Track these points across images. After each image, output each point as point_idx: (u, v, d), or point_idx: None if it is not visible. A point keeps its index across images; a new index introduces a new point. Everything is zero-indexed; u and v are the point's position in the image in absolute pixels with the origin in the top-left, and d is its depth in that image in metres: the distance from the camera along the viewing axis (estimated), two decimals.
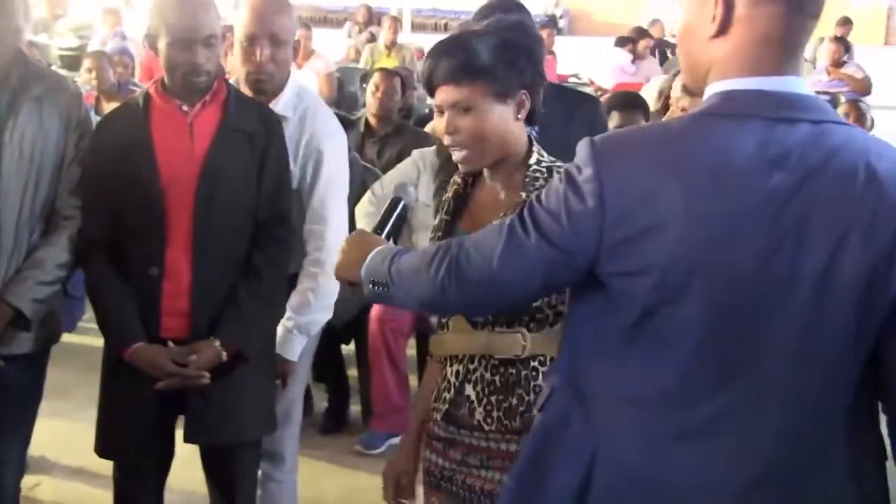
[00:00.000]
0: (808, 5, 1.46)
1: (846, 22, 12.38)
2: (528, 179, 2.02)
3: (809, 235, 1.39)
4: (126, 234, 2.62)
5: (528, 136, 2.08)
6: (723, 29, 1.47)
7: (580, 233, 1.46)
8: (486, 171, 2.10)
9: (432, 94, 2.03)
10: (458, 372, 2.09)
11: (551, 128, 2.49)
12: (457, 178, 2.16)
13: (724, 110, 1.45)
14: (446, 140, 2.03)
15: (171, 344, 2.63)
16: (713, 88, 1.49)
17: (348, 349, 4.69)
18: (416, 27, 16.16)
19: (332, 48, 10.84)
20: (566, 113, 3.16)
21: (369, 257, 1.79)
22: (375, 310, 4.30)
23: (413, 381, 4.44)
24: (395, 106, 5.39)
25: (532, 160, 2.04)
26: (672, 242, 1.40)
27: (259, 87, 2.85)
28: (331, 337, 3.84)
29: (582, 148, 1.49)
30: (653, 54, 10.73)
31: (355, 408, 4.57)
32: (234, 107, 2.69)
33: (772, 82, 1.44)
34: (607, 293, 1.49)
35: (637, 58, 9.93)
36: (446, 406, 2.11)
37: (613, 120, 4.29)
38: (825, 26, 13.01)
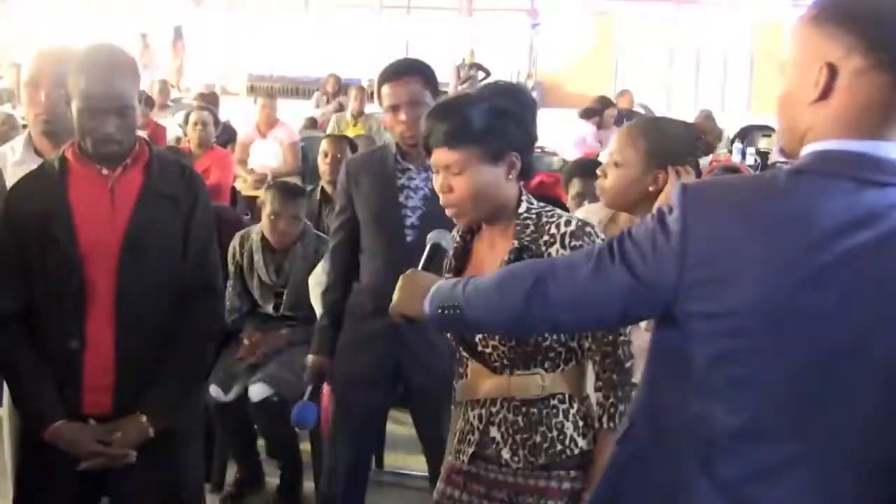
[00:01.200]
0: None
1: None
2: (518, 227, 2.14)
3: (891, 295, 1.44)
4: (43, 305, 2.52)
5: (520, 187, 2.19)
6: (824, 94, 1.50)
7: (661, 268, 1.52)
8: (485, 225, 2.23)
9: (429, 155, 2.16)
10: (480, 416, 2.21)
11: None
12: (456, 236, 2.27)
13: (815, 168, 1.50)
14: (442, 199, 2.15)
15: (92, 422, 2.51)
16: (809, 149, 1.54)
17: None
18: None
19: (298, 118, 10.86)
20: None
21: (435, 286, 1.86)
22: (328, 387, 4.10)
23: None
24: None
25: (522, 209, 2.16)
26: (751, 291, 1.45)
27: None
28: (283, 413, 3.77)
29: (675, 191, 1.55)
30: (617, 124, 10.78)
31: (308, 484, 4.37)
32: (157, 170, 2.60)
33: (865, 145, 1.48)
34: (684, 331, 1.53)
35: (602, 128, 9.76)
36: (473, 448, 2.22)
37: (574, 186, 4.32)
38: None
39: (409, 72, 3.06)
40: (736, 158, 9.16)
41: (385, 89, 3.05)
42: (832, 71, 1.50)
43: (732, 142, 10.40)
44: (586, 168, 4.30)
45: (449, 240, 2.20)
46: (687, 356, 1.54)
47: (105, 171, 2.56)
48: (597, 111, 9.93)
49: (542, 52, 18.57)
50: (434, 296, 1.85)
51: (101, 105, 2.46)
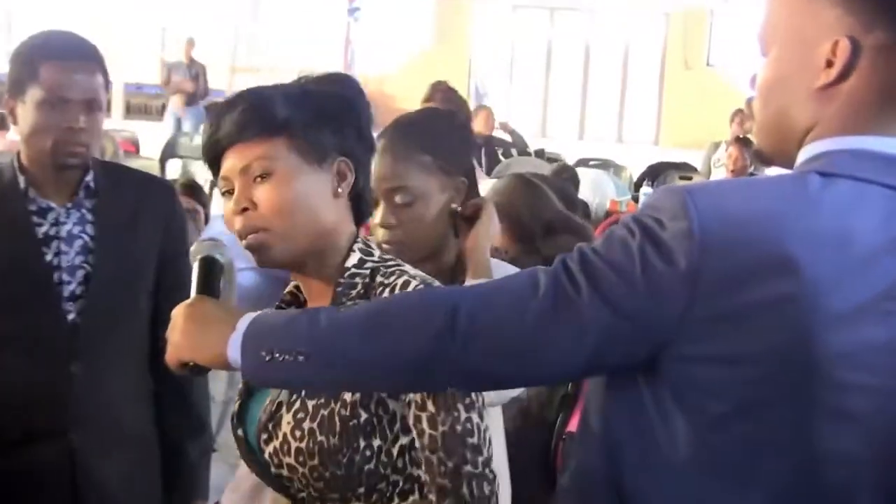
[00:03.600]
0: None
1: (744, 116, 12.89)
2: (340, 288, 2.05)
3: None
4: None
5: (355, 230, 2.13)
6: (843, 76, 1.61)
7: (660, 299, 1.57)
8: (296, 276, 2.14)
9: (218, 171, 2.06)
10: None
11: None
12: (284, 293, 2.21)
13: (836, 170, 1.59)
14: (237, 225, 2.03)
15: None
16: (816, 148, 1.65)
17: None
18: (134, 109, 16.17)
19: None
20: None
21: (248, 320, 1.76)
22: None
23: None
24: None
25: (351, 261, 2.08)
26: (787, 327, 1.54)
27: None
28: None
29: (669, 196, 1.61)
30: (476, 155, 10.67)
31: None
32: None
33: (889, 143, 1.61)
34: (671, 385, 1.60)
35: None
36: None
37: None
38: (720, 126, 13.70)
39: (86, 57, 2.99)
40: None
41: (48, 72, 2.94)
42: (854, 47, 1.60)
43: (638, 185, 10.56)
44: None
45: (225, 252, 2.09)
46: (669, 419, 1.61)
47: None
48: None
49: (364, 48, 18.69)
50: (251, 335, 1.75)
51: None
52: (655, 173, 11.12)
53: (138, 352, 3.09)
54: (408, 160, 2.61)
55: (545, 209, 5.15)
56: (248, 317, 1.79)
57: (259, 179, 2.04)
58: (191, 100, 15.83)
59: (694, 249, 1.56)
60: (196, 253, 2.09)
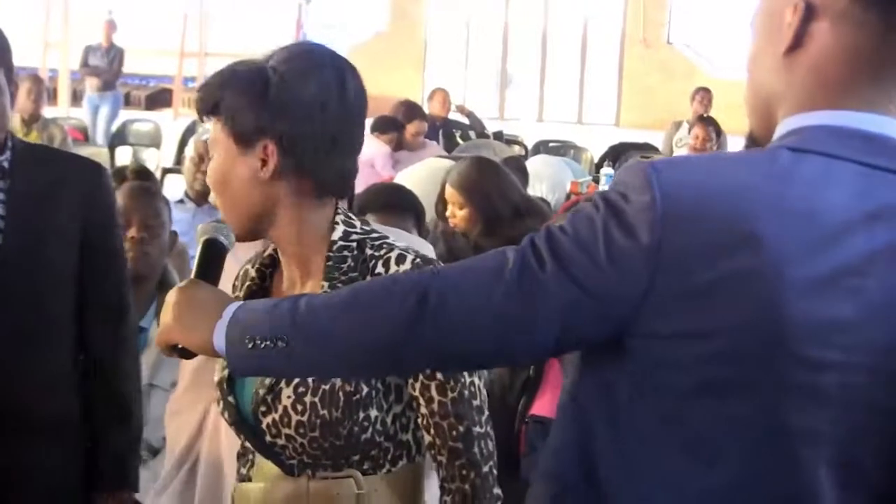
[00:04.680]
0: None
1: (706, 95, 12.90)
2: (330, 262, 2.17)
3: None
4: None
5: (336, 207, 2.23)
6: (798, 40, 1.64)
7: (622, 274, 1.59)
8: (280, 255, 2.28)
9: None
10: None
11: None
12: (250, 269, 2.33)
13: (807, 146, 1.62)
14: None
15: None
16: (789, 124, 1.67)
17: None
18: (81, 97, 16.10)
19: None
20: None
21: (232, 308, 1.81)
22: None
23: None
24: None
25: (336, 234, 2.18)
26: (753, 301, 1.56)
27: None
28: None
29: (633, 171, 1.63)
30: (434, 137, 10.60)
31: None
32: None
33: (862, 119, 1.63)
34: (639, 361, 1.62)
35: (402, 148, 9.53)
36: None
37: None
38: (681, 105, 13.69)
39: None
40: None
41: None
42: (808, 10, 1.63)
43: (599, 166, 10.51)
44: (389, 199, 4.17)
45: (230, 235, 2.19)
46: (637, 395, 1.64)
47: None
48: (394, 123, 9.60)
49: (316, 31, 18.62)
50: (235, 322, 1.79)
51: None
52: (616, 154, 11.01)
53: (55, 333, 3.04)
54: None
55: (513, 192, 5.16)
56: (234, 305, 1.84)
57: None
58: (106, 85, 15.39)
59: (656, 223, 1.57)
60: (201, 233, 2.16)
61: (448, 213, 5.11)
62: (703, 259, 1.57)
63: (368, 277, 2.15)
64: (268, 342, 1.76)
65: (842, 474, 1.64)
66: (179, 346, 1.93)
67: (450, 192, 5.10)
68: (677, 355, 1.60)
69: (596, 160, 11.56)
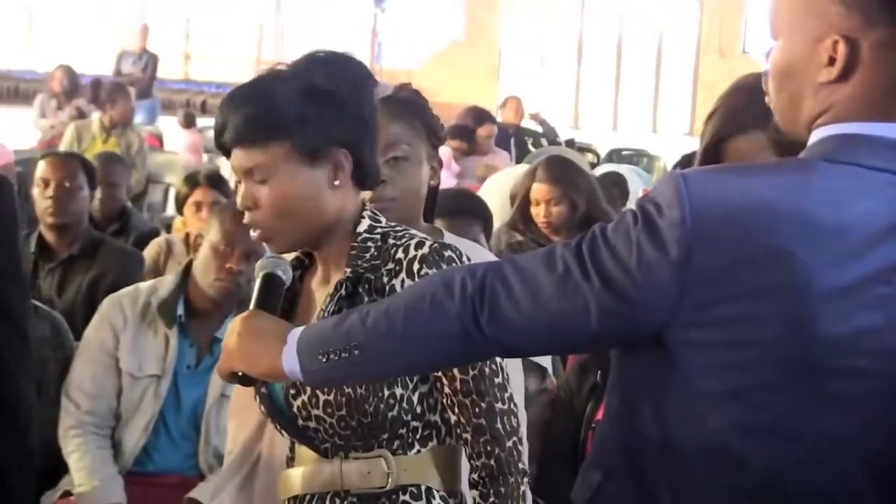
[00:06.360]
0: None
1: None
2: (354, 251, 2.24)
3: None
4: None
5: (363, 201, 2.31)
6: (844, 75, 1.66)
7: (652, 287, 1.64)
8: (316, 253, 2.33)
9: (228, 157, 2.26)
10: None
11: None
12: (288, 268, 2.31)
13: (841, 157, 1.64)
14: (246, 217, 2.23)
15: None
16: (827, 131, 1.68)
17: None
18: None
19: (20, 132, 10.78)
20: None
21: (298, 333, 1.90)
22: None
23: None
24: (80, 209, 4.99)
25: (362, 227, 2.26)
26: (784, 314, 1.60)
27: None
28: None
29: (667, 183, 1.66)
30: (500, 145, 10.52)
31: None
32: None
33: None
34: (676, 364, 1.67)
35: (472, 152, 9.42)
36: None
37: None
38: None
39: None
40: None
41: None
42: (852, 47, 1.64)
43: None
44: (454, 205, 4.16)
45: (287, 269, 2.25)
46: (678, 393, 1.69)
47: None
48: (465, 129, 9.48)
49: (391, 40, 18.70)
50: (306, 343, 1.88)
51: None
52: (690, 163, 11.00)
53: None
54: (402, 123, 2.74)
55: (598, 204, 5.15)
56: (297, 330, 1.92)
57: (260, 181, 2.21)
58: (142, 93, 14.27)
59: (685, 238, 1.62)
60: (260, 269, 2.24)
61: (538, 213, 5.08)
62: (733, 273, 1.63)
63: (390, 264, 2.23)
64: (343, 353, 1.85)
65: (878, 479, 1.69)
66: (240, 373, 2.03)
67: (543, 190, 5.07)
68: (709, 362, 1.67)
69: (669, 169, 11.52)
